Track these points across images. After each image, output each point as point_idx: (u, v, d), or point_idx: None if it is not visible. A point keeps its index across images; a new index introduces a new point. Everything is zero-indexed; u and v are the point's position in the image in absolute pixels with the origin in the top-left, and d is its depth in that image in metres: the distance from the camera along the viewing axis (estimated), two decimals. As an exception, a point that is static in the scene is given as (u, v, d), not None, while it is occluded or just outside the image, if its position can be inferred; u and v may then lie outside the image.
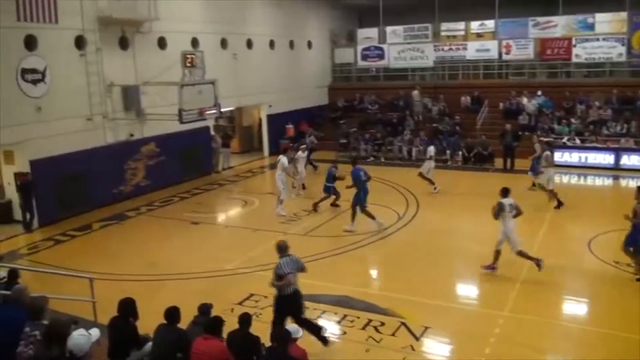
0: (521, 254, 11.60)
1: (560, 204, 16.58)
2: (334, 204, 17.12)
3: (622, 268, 11.77)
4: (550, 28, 26.58)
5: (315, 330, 8.86)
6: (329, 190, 16.91)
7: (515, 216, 11.54)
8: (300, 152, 19.29)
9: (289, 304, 8.61)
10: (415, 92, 27.89)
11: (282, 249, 8.78)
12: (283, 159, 17.00)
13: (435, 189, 18.59)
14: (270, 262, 12.74)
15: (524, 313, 10.01)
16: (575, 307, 10.67)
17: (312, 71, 30.12)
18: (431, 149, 19.15)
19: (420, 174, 18.78)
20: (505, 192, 11.71)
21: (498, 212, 11.44)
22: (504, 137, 22.17)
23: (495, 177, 21.16)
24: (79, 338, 5.41)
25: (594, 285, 11.41)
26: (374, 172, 21.96)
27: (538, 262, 11.44)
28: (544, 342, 9.15)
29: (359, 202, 14.76)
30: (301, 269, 8.75)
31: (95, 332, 5.71)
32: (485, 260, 12.01)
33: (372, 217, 14.78)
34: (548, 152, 17.38)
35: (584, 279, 11.75)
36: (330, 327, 9.81)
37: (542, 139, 19.79)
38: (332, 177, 16.88)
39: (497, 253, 11.70)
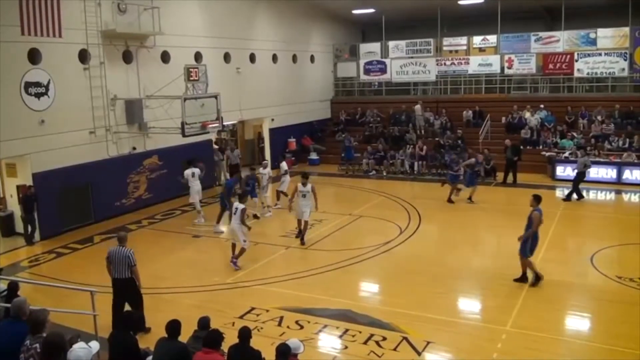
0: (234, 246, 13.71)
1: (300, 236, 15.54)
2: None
3: (624, 283, 11.75)
4: (552, 43, 26.68)
5: None
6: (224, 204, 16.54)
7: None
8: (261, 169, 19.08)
9: (118, 286, 9.87)
10: (418, 107, 27.97)
11: (120, 239, 10.04)
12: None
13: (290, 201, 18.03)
14: (271, 276, 12.86)
15: (526, 328, 9.93)
16: (577, 323, 10.58)
17: (314, 85, 30.24)
18: (284, 165, 19.57)
19: (278, 192, 19.07)
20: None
21: None
22: (506, 152, 22.20)
23: (497, 191, 21.19)
24: (80, 351, 5.40)
25: (596, 300, 11.34)
26: (376, 185, 22.30)
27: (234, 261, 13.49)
28: (546, 358, 9.08)
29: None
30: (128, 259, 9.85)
31: (95, 345, 5.69)
32: (487, 274, 12.03)
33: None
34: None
35: (586, 294, 11.67)
36: (332, 341, 9.78)
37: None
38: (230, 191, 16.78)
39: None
